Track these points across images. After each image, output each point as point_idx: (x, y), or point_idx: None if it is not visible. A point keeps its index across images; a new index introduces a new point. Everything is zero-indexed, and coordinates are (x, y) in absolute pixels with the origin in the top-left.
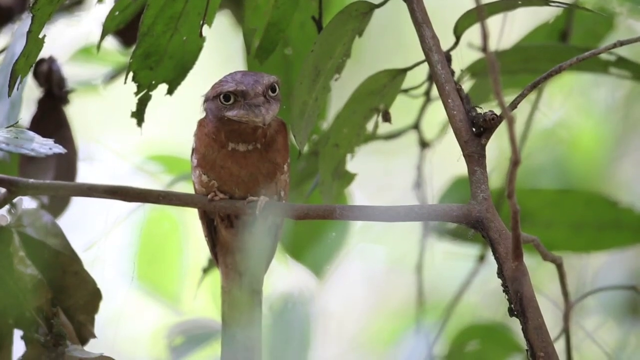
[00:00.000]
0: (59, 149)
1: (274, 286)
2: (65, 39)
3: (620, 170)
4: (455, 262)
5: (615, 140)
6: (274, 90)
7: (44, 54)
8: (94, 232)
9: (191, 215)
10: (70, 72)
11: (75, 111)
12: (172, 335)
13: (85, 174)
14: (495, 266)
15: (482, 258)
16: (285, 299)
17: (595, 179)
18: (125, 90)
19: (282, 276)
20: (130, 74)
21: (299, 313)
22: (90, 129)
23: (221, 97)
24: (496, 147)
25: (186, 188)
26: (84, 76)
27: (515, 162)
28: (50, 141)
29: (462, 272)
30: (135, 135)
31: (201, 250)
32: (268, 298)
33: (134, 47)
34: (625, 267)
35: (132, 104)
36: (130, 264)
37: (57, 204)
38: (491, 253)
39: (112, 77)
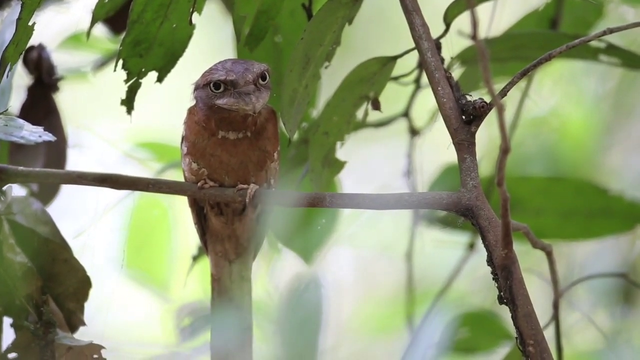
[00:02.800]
0: (48, 136)
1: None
2: (54, 26)
3: (610, 157)
4: (445, 250)
5: (605, 127)
6: (264, 79)
7: (33, 41)
8: (84, 220)
9: (181, 203)
10: (60, 59)
11: (65, 99)
12: (180, 317)
13: (74, 162)
14: (485, 254)
15: (471, 246)
16: (298, 282)
17: (585, 167)
18: (115, 78)
19: (274, 263)
20: (120, 62)
21: (311, 296)
22: (80, 117)
23: (211, 86)
24: (486, 135)
25: (176, 176)
26: (73, 64)
27: (505, 150)
28: (39, 129)
29: (452, 260)
30: (124, 122)
31: (191, 237)
32: (276, 282)
33: (123, 35)
34: (615, 254)
35: (122, 91)
36: (119, 251)
37: (47, 192)
38: (481, 241)
39: (101, 64)
